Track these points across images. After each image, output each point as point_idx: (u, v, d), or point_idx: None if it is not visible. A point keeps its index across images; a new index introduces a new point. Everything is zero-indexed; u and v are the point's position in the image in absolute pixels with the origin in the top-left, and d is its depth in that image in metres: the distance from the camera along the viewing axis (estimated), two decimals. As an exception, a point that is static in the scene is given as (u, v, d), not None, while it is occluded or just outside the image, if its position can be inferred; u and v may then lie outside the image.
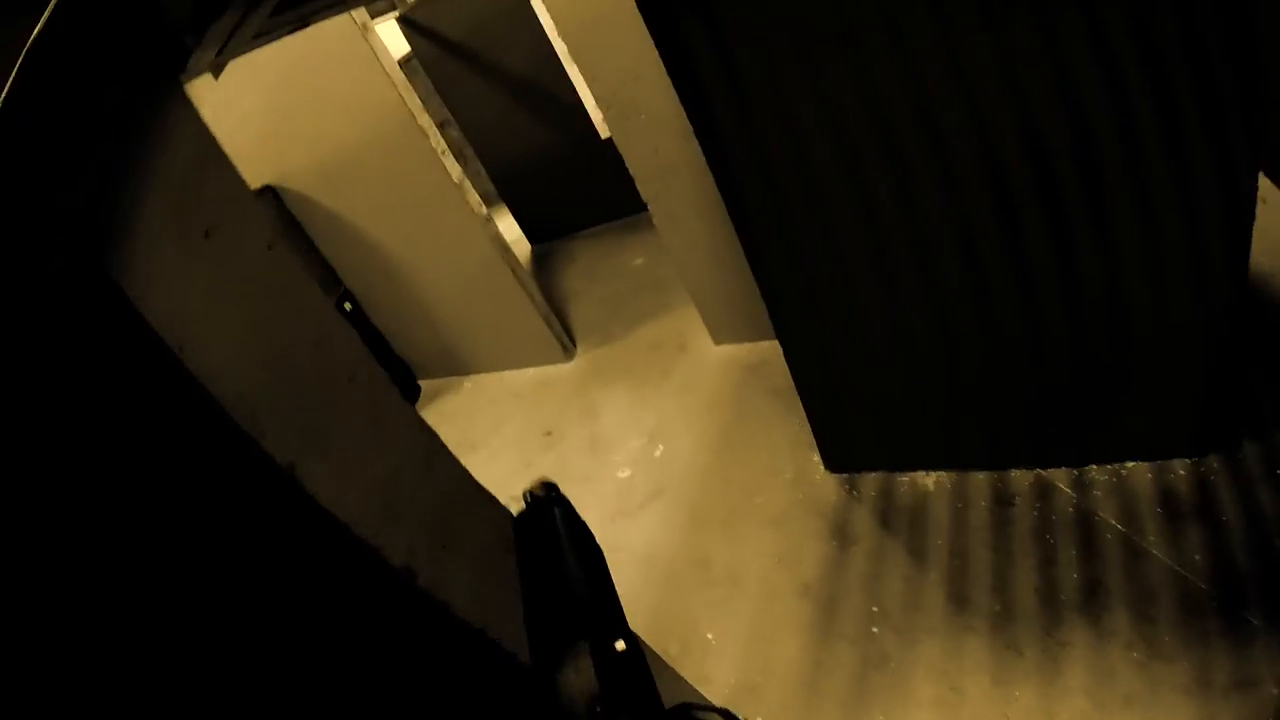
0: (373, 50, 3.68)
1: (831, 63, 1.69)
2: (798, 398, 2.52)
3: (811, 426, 2.58)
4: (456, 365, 5.49)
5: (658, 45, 1.88)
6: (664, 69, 1.93)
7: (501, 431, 4.45)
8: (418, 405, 5.74)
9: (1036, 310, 1.93)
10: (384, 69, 3.71)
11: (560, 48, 5.14)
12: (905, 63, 1.62)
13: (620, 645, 1.02)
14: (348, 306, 5.31)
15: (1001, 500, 2.26)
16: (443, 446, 1.32)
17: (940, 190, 1.79)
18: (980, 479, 2.34)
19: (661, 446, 3.37)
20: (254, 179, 5.20)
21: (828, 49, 1.67)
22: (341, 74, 3.94)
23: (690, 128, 2.04)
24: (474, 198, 4.08)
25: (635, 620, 2.60)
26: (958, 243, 1.87)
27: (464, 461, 4.19)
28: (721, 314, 3.58)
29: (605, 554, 2.92)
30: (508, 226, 7.55)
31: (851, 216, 1.94)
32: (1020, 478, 2.29)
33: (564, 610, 1.02)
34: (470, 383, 5.37)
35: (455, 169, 3.99)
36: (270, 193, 5.07)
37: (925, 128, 1.70)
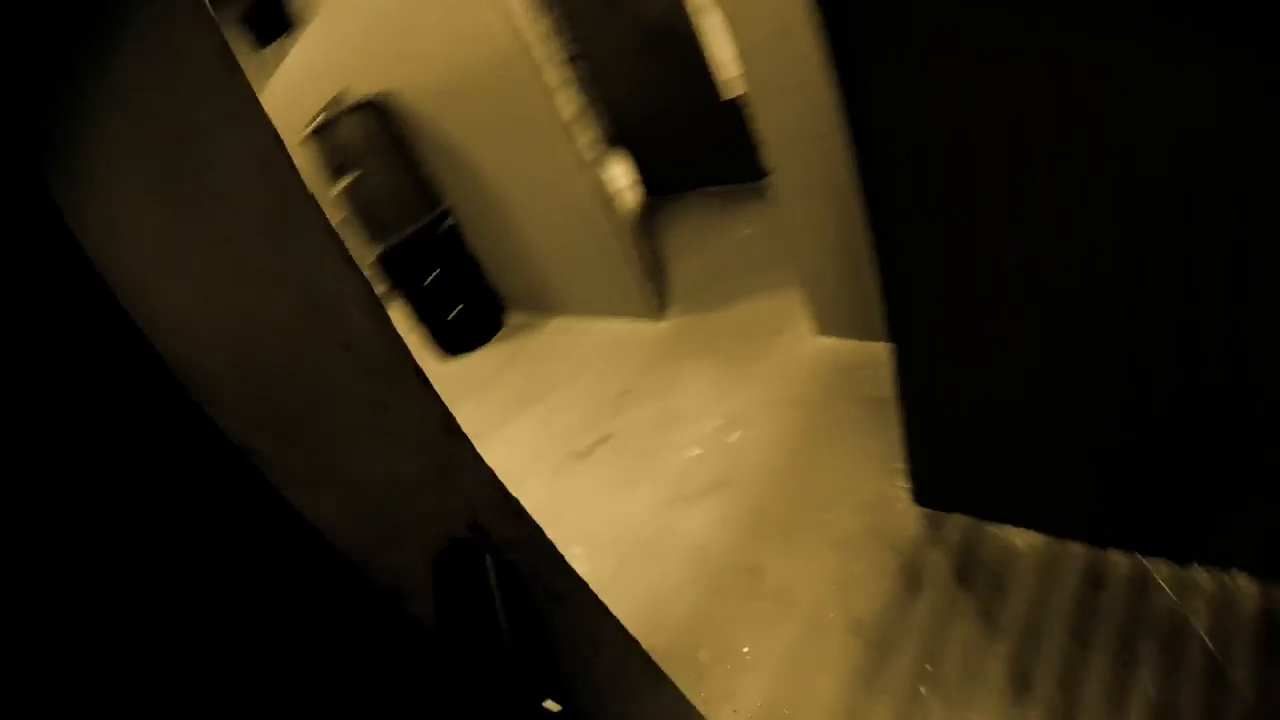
0: None
1: (1023, 53, 1.42)
2: (895, 412, 2.27)
3: (905, 449, 2.34)
4: (545, 303, 5.43)
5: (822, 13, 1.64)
6: (819, 27, 1.69)
7: (576, 382, 4.37)
8: (499, 337, 5.74)
9: (1177, 384, 1.64)
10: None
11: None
12: (1106, 75, 1.35)
13: (552, 706, 0.90)
14: (446, 226, 5.29)
15: (1093, 581, 2.00)
16: (470, 449, 1.12)
17: (1116, 228, 1.51)
18: (1076, 551, 2.07)
19: (737, 433, 3.19)
20: (366, 88, 5.21)
21: (1020, 35, 1.40)
22: None
23: (835, 98, 1.80)
24: (584, 139, 3.91)
25: (671, 616, 2.52)
26: (1119, 290, 1.59)
27: (532, 409, 4.19)
28: (828, 303, 3.33)
29: (654, 537, 2.77)
30: (623, 173, 7.39)
31: (1006, 233, 1.67)
32: (1119, 561, 2.01)
33: (488, 669, 0.86)
34: (556, 324, 5.31)
35: (568, 107, 3.82)
36: (371, 107, 5.07)
37: (1115, 151, 1.42)
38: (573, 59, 7.07)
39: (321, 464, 0.85)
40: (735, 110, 3.06)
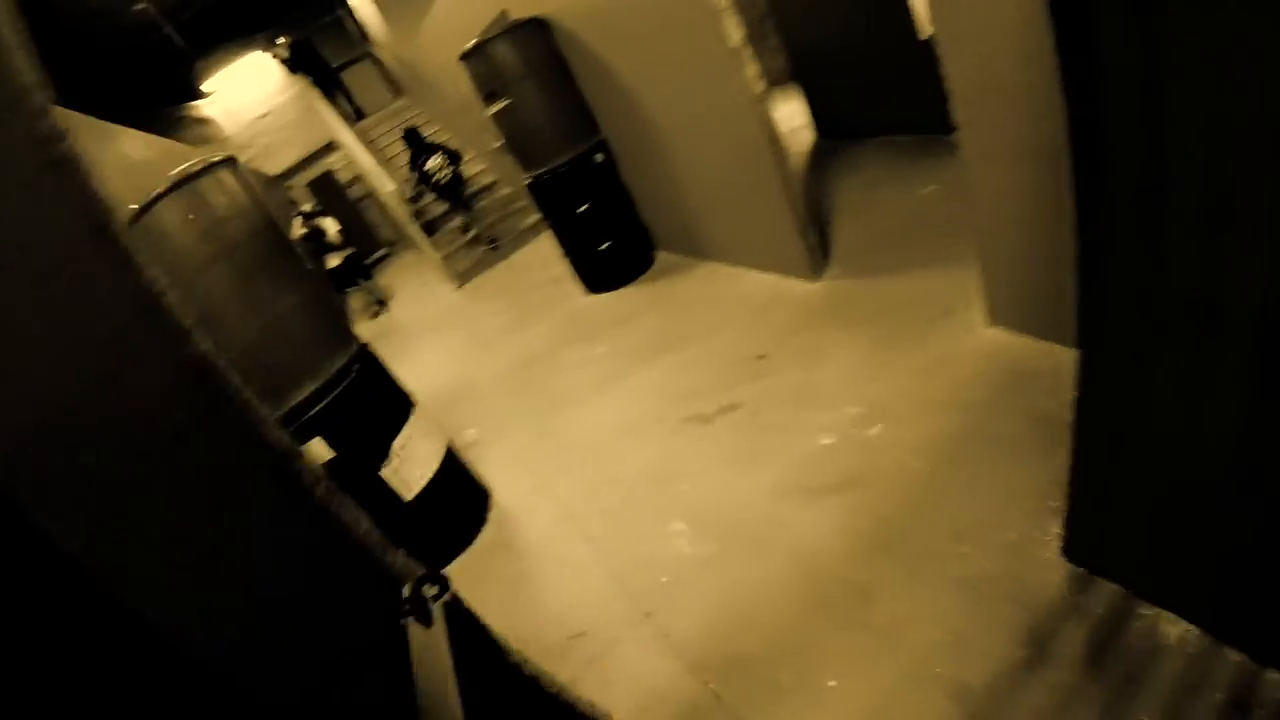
0: None
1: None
2: (1065, 438, 1.86)
3: (1068, 488, 1.94)
4: (696, 247, 5.17)
5: None
6: None
7: (715, 337, 4.12)
8: (645, 277, 5.56)
9: None
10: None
11: None
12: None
13: None
14: (599, 158, 5.11)
15: (1240, 701, 1.56)
16: (367, 542, 0.91)
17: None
18: (1231, 660, 1.63)
19: (878, 427, 2.84)
20: (526, 8, 5.03)
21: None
22: None
23: (1041, 44, 1.38)
24: (751, 70, 3.54)
25: (760, 622, 2.29)
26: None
27: (663, 359, 3.99)
28: (1009, 290, 2.84)
29: (764, 528, 2.50)
30: (794, 113, 6.85)
31: (1257, 243, 1.23)
32: (1276, 683, 1.56)
33: None
34: (704, 270, 5.04)
35: (735, 33, 3.44)
36: (539, 25, 4.89)
37: None
38: None
39: (161, 568, 0.70)
40: (931, 50, 2.57)
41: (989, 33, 2.26)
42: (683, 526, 2.86)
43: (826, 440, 2.91)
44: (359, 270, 10.01)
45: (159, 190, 2.75)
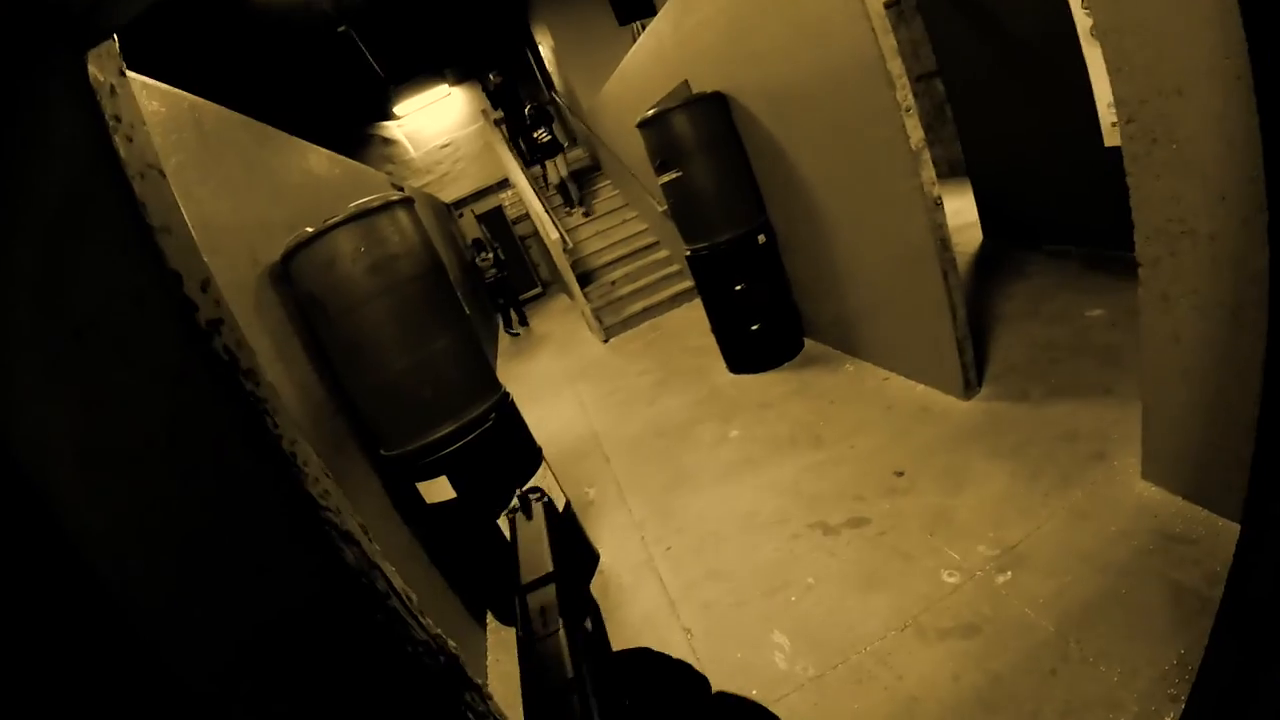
0: None
1: None
2: (1206, 620, 1.78)
3: (1195, 682, 1.86)
4: (846, 341, 5.22)
5: (1255, 62, 1.26)
6: (1234, 91, 1.29)
7: (853, 441, 4.14)
8: (791, 363, 5.65)
9: None
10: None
11: (1080, 21, 4.21)
12: None
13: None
14: (761, 239, 5.29)
15: None
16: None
17: None
18: None
19: (1008, 575, 2.79)
20: (706, 83, 5.34)
21: None
22: None
23: (1240, 188, 1.39)
24: (928, 173, 3.62)
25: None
26: None
27: (795, 456, 4.07)
28: (1170, 446, 2.75)
29: (868, 662, 2.56)
30: (962, 208, 6.81)
31: None
32: None
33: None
34: (852, 366, 5.08)
35: (916, 133, 3.54)
36: (719, 100, 5.18)
37: None
38: (929, 75, 6.62)
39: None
40: (1117, 161, 2.54)
41: (1183, 165, 2.21)
42: (784, 640, 2.90)
43: (951, 578, 2.88)
44: (506, 291, 12.41)
45: (337, 219, 3.06)
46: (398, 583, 1.09)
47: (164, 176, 0.73)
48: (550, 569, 1.31)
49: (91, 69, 0.68)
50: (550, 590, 1.25)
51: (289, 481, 0.89)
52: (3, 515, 0.75)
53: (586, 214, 11.61)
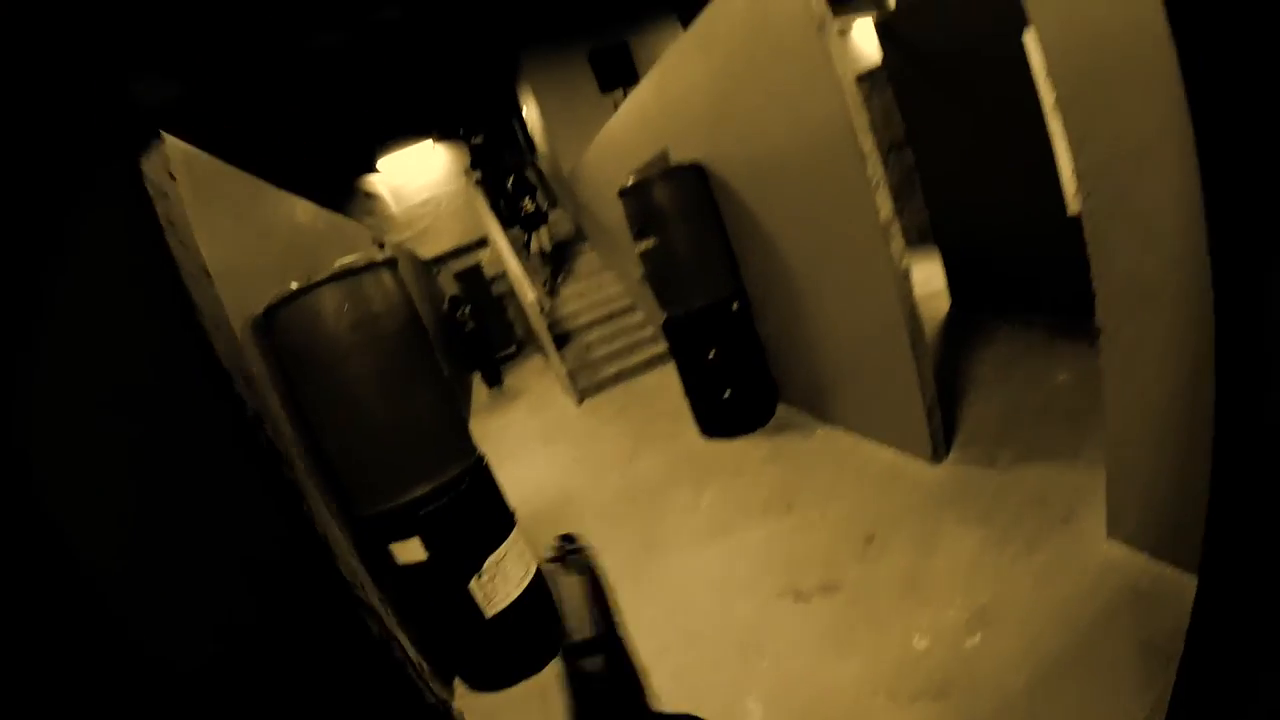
0: (825, 50, 3.54)
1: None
2: (1170, 673, 1.83)
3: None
4: (819, 407, 5.32)
5: (1198, 133, 1.34)
6: (1191, 163, 1.37)
7: (825, 506, 4.19)
8: (764, 429, 5.72)
9: None
10: (835, 75, 3.55)
11: (1047, 95, 4.45)
12: None
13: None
14: (735, 306, 5.41)
15: None
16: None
17: None
18: None
19: (978, 637, 2.83)
20: (684, 153, 5.52)
21: None
22: (788, 68, 3.91)
23: (1207, 258, 1.46)
24: (897, 245, 3.76)
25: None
26: None
27: (768, 521, 4.11)
28: (1134, 505, 2.83)
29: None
30: (931, 275, 7.03)
31: None
32: None
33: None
34: (824, 433, 5.16)
35: (886, 207, 3.69)
36: (697, 171, 5.34)
37: None
38: (898, 145, 6.90)
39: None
40: (1079, 227, 2.66)
41: (1140, 231, 2.33)
42: (756, 707, 2.90)
43: (922, 642, 2.92)
44: (482, 349, 12.67)
45: (323, 276, 3.11)
46: (412, 653, 1.12)
47: (210, 278, 0.78)
48: (593, 634, 1.29)
49: (145, 171, 0.73)
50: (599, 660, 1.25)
51: (323, 564, 0.93)
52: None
53: (550, 294, 11.30)
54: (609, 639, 1.28)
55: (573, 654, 1.25)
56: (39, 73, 0.63)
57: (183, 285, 0.74)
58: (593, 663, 1.23)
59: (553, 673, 3.63)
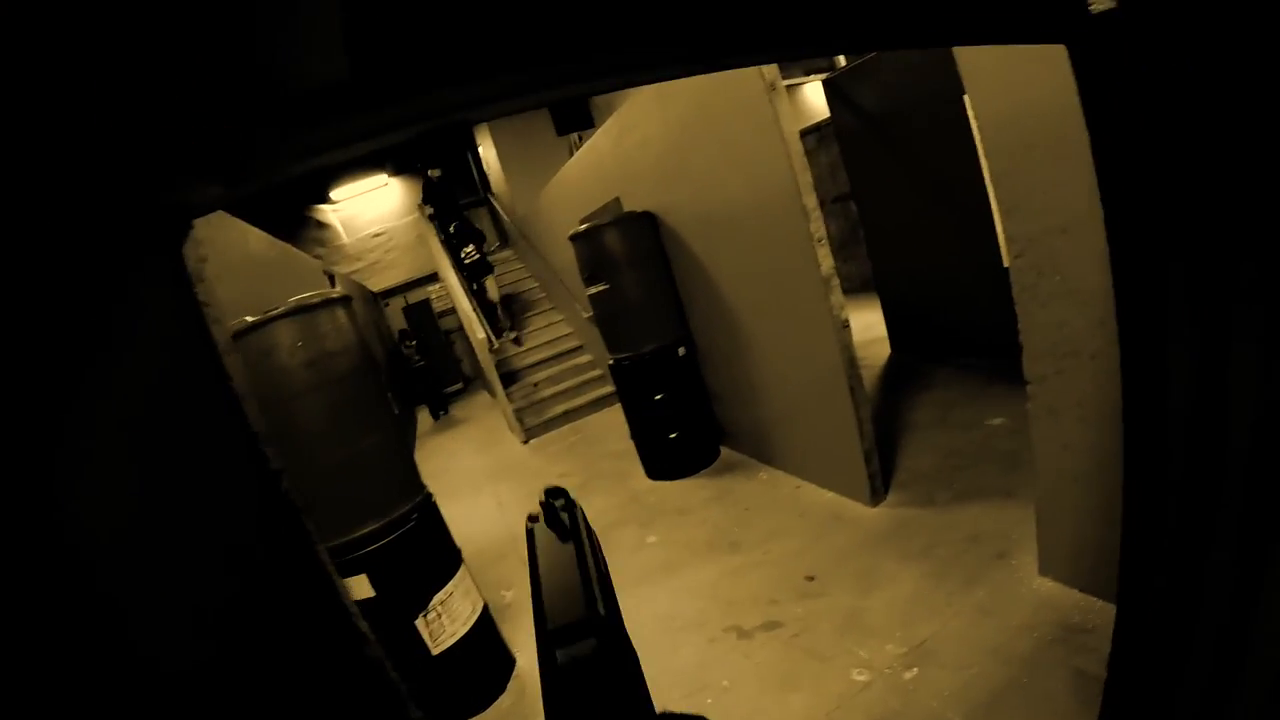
0: (775, 113, 3.73)
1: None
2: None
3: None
4: (762, 450, 5.46)
5: (1107, 206, 1.47)
6: (1107, 234, 1.52)
7: (767, 547, 4.30)
8: (708, 470, 5.83)
9: None
10: (782, 135, 3.74)
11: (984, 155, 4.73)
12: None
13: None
14: (681, 351, 5.55)
15: None
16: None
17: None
18: None
19: (915, 671, 2.95)
20: (636, 202, 5.69)
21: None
22: (741, 126, 4.09)
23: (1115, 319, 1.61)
24: (837, 298, 3.94)
25: None
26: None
27: (712, 561, 4.21)
28: (1063, 543, 3.00)
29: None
30: (874, 322, 7.30)
31: None
32: None
33: None
34: (766, 475, 5.29)
35: (826, 261, 3.88)
36: (649, 219, 5.51)
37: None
38: (843, 197, 7.18)
39: None
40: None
41: (1062, 297, 2.56)
42: (703, 741, 2.96)
43: (861, 677, 3.02)
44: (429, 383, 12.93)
45: (277, 311, 3.11)
46: (415, 715, 1.15)
47: (237, 350, 0.82)
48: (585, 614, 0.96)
49: (185, 255, 0.79)
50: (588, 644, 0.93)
51: (340, 624, 0.95)
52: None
53: (516, 342, 10.96)
54: (603, 619, 0.96)
55: (555, 641, 0.93)
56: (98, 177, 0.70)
57: (219, 358, 0.80)
58: (581, 649, 0.93)
59: (500, 710, 3.64)
